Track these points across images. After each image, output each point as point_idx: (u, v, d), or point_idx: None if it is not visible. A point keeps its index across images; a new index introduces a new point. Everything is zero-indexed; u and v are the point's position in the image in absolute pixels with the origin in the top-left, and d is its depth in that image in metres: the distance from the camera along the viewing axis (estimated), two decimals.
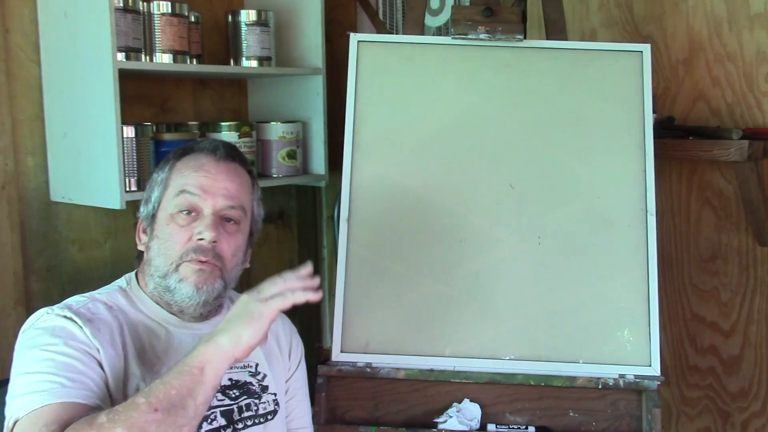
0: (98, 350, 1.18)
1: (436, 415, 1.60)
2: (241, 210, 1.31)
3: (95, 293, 1.31)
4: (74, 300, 1.27)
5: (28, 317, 1.23)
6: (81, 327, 1.19)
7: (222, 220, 1.29)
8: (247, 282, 2.36)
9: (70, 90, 1.79)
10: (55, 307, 1.23)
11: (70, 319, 1.19)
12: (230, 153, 1.34)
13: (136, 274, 1.36)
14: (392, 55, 1.76)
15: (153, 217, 1.31)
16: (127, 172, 1.75)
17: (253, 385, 1.36)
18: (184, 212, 1.27)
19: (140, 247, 1.34)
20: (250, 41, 2.05)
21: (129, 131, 1.77)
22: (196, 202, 1.27)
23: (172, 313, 1.31)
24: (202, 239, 1.26)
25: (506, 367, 1.59)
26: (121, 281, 1.35)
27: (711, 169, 1.99)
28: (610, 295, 1.62)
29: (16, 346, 1.20)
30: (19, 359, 1.18)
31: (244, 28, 2.05)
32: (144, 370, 1.23)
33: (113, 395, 1.18)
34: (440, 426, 1.57)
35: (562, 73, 1.73)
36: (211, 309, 1.33)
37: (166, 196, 1.30)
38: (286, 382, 1.45)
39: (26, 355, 1.16)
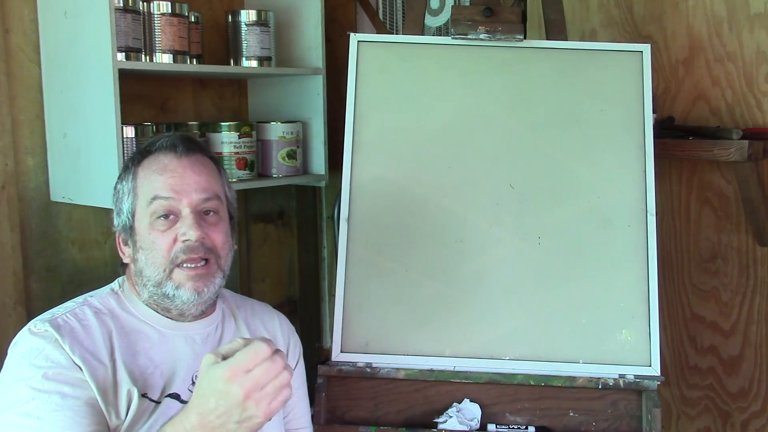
0: (80, 368, 1.17)
1: (436, 415, 1.60)
2: (216, 199, 1.30)
3: (88, 296, 1.31)
4: (63, 307, 1.27)
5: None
6: (61, 345, 1.18)
7: (201, 214, 1.28)
8: (247, 280, 2.37)
9: (70, 90, 1.78)
10: (38, 320, 1.22)
11: (50, 336, 1.18)
12: (190, 146, 1.31)
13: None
14: (392, 55, 1.76)
15: (131, 228, 1.29)
16: None
17: None
18: (162, 218, 1.25)
19: (126, 260, 1.32)
20: (250, 41, 2.05)
21: (129, 131, 1.77)
22: (170, 204, 1.25)
23: (166, 317, 1.30)
24: (187, 240, 1.24)
25: (506, 367, 1.59)
26: (114, 284, 1.35)
27: (711, 169, 1.99)
28: (610, 295, 1.62)
29: (4, 365, 1.20)
30: (3, 388, 1.17)
31: (244, 28, 2.05)
32: (135, 374, 1.22)
33: (105, 407, 1.18)
34: (440, 426, 1.57)
35: (562, 73, 1.73)
36: (210, 304, 1.32)
37: (139, 205, 1.28)
38: None
39: (10, 388, 1.16)
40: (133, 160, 1.33)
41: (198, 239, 1.25)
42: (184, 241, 1.25)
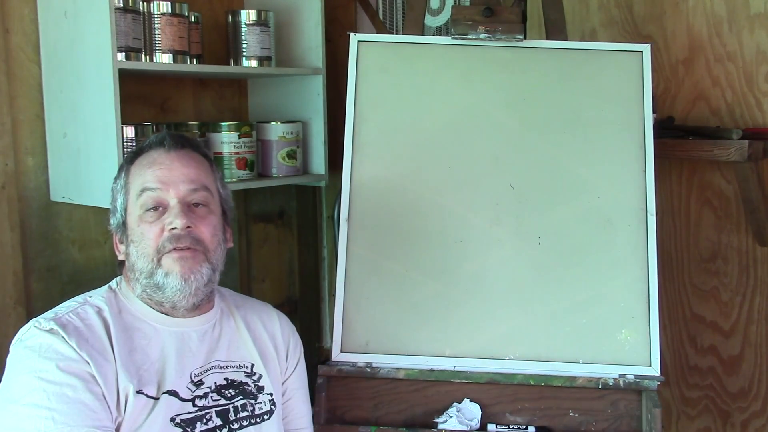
0: (88, 363, 1.18)
1: (436, 415, 1.60)
2: (204, 190, 1.32)
3: (88, 295, 1.32)
4: (65, 306, 1.28)
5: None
6: (67, 341, 1.19)
7: (190, 206, 1.29)
8: (247, 280, 2.37)
9: (70, 90, 1.78)
10: (41, 318, 1.23)
11: (57, 333, 1.19)
12: (178, 141, 1.34)
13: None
14: (392, 55, 1.76)
15: (124, 224, 1.31)
16: None
17: (249, 386, 1.36)
18: (151, 210, 1.28)
19: (120, 257, 1.34)
20: (250, 41, 2.05)
21: (129, 131, 1.77)
22: (158, 195, 1.28)
23: (162, 312, 1.31)
24: (174, 228, 1.26)
25: (506, 367, 1.59)
26: (112, 283, 1.36)
27: (711, 169, 1.99)
28: (610, 295, 1.62)
29: (8, 361, 1.21)
30: (10, 381, 1.18)
31: (244, 28, 2.05)
32: (131, 371, 1.23)
33: (111, 405, 1.18)
34: (440, 426, 1.57)
35: (562, 73, 1.73)
36: (202, 298, 1.32)
37: (130, 200, 1.30)
38: (284, 383, 1.45)
39: (18, 380, 1.17)
40: (126, 160, 1.36)
41: (183, 227, 1.26)
42: (170, 230, 1.26)
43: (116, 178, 1.35)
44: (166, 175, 1.29)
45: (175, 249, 1.26)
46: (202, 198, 1.31)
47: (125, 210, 1.31)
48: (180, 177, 1.29)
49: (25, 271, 1.84)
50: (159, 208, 1.28)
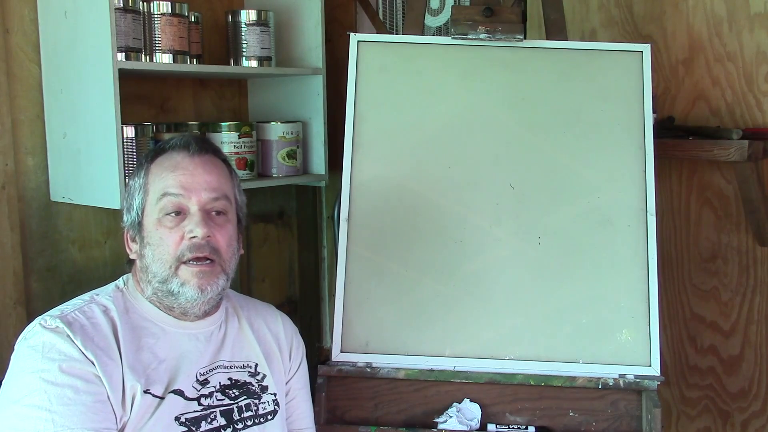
0: (93, 363, 1.18)
1: (436, 415, 1.60)
2: (225, 200, 1.32)
3: (94, 294, 1.32)
4: (71, 304, 1.27)
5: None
6: (72, 340, 1.18)
7: (210, 213, 1.29)
8: (247, 280, 2.37)
9: (70, 90, 1.78)
10: (47, 316, 1.23)
11: (62, 332, 1.19)
12: (203, 146, 1.33)
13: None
14: (392, 55, 1.76)
15: (139, 224, 1.30)
16: (127, 172, 1.75)
17: (253, 386, 1.36)
18: (171, 214, 1.27)
19: (132, 256, 1.33)
20: (250, 41, 2.05)
21: (129, 131, 1.77)
22: (180, 201, 1.27)
23: (169, 315, 1.31)
24: (194, 237, 1.26)
25: (506, 367, 1.59)
26: (119, 281, 1.36)
27: (711, 169, 1.99)
28: (610, 295, 1.62)
29: (12, 359, 1.21)
30: (13, 380, 1.18)
31: (244, 28, 2.05)
32: (138, 370, 1.23)
33: (114, 403, 1.18)
34: (440, 426, 1.58)
35: (562, 73, 1.73)
36: (213, 305, 1.33)
37: (149, 201, 1.29)
38: (287, 383, 1.46)
39: (21, 380, 1.17)
40: (146, 158, 1.34)
41: (204, 237, 1.26)
42: (190, 239, 1.26)
43: (134, 176, 1.34)
44: (189, 181, 1.28)
45: (194, 259, 1.26)
46: (221, 206, 1.31)
47: (142, 210, 1.30)
48: (203, 184, 1.28)
49: (25, 271, 1.84)
50: (179, 213, 1.27)
